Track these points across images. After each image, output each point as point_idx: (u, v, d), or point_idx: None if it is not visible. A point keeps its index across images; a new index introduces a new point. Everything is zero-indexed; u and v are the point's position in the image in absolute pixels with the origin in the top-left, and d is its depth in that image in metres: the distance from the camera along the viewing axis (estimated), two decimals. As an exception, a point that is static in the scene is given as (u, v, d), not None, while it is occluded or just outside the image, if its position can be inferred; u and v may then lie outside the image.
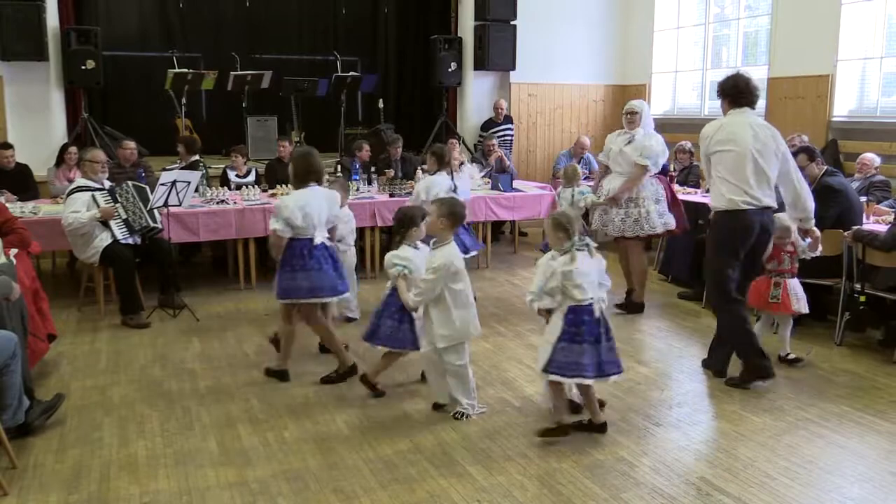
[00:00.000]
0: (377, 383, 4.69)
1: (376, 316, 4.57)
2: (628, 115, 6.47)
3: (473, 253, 6.61)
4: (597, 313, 4.01)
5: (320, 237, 4.85)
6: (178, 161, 7.99)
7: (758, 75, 9.72)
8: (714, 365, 5.10)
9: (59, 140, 8.91)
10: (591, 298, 3.99)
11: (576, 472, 3.75)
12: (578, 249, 4.00)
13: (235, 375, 5.07)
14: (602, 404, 4.36)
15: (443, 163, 6.41)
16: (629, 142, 6.39)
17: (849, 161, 7.88)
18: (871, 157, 7.18)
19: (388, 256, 4.49)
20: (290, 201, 4.77)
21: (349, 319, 6.17)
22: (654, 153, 6.33)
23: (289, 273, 4.79)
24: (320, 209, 4.84)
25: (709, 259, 5.06)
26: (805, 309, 5.21)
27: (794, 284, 5.21)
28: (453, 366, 4.31)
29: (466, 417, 4.34)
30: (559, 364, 3.97)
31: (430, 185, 6.24)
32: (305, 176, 4.87)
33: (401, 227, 4.54)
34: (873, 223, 5.98)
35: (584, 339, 3.97)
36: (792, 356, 5.28)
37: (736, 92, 4.80)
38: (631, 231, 6.44)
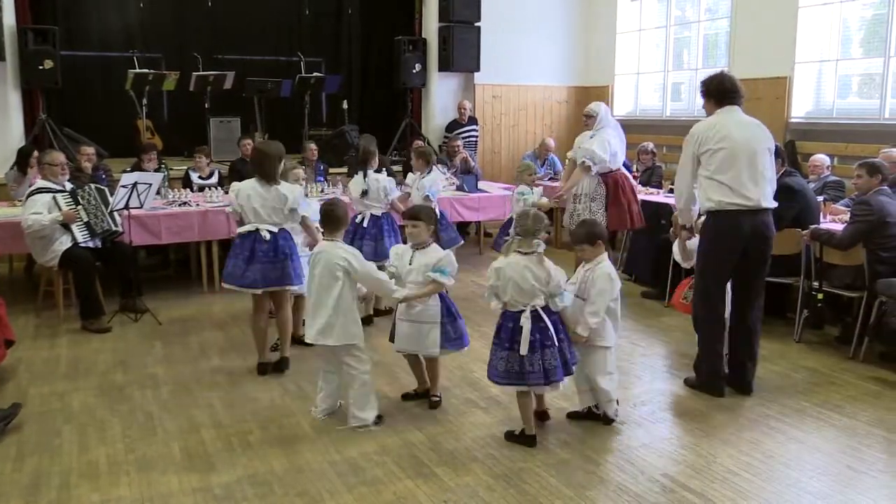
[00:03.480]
0: None
1: None
2: (584, 118, 6.90)
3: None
4: (521, 321, 3.87)
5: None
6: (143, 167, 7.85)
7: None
8: (739, 382, 4.82)
9: (16, 142, 8.74)
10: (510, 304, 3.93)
11: (541, 470, 3.77)
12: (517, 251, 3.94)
13: (199, 380, 5.01)
14: (544, 416, 4.36)
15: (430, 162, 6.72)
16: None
17: (806, 161, 8.04)
18: (822, 158, 7.37)
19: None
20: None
21: None
22: (587, 153, 6.64)
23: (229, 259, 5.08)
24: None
25: (697, 265, 4.82)
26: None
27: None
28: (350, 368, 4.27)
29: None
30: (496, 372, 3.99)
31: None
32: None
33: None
34: (830, 222, 6.11)
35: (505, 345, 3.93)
36: None
37: (722, 91, 4.67)
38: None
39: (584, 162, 6.65)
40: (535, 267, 3.87)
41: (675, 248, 5.15)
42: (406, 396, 4.67)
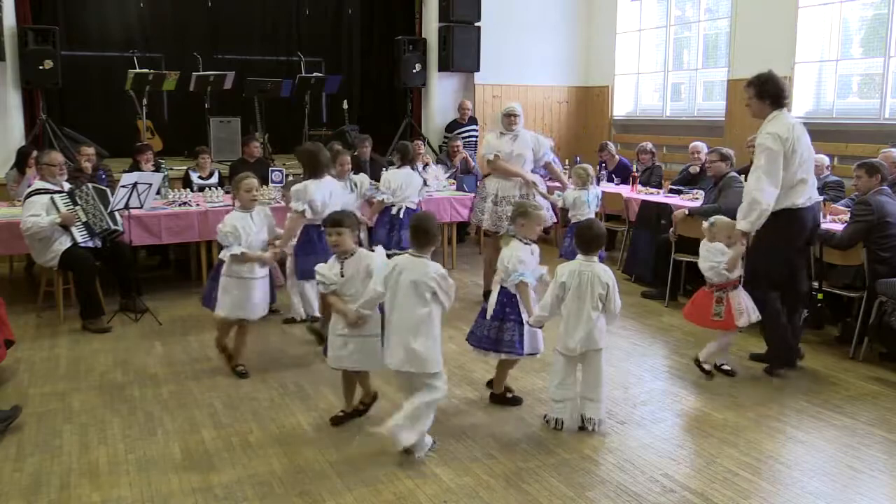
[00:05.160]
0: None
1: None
2: (511, 117, 6.88)
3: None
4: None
5: None
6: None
7: (718, 77, 9.96)
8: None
9: (16, 142, 8.75)
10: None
11: (542, 470, 3.78)
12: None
13: (199, 380, 5.01)
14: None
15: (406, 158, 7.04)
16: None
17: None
18: (821, 158, 7.34)
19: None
20: (311, 187, 5.33)
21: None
22: (552, 148, 7.23)
23: (308, 256, 5.35)
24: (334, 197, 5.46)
25: (764, 256, 4.92)
26: (751, 319, 4.95)
27: (738, 296, 4.94)
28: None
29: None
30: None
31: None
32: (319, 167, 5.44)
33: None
34: (830, 222, 6.10)
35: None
36: (707, 367, 5.07)
37: (778, 92, 4.77)
38: (496, 227, 6.63)
39: (551, 159, 7.13)
40: (503, 248, 4.42)
41: (707, 256, 4.95)
42: (337, 420, 4.30)
